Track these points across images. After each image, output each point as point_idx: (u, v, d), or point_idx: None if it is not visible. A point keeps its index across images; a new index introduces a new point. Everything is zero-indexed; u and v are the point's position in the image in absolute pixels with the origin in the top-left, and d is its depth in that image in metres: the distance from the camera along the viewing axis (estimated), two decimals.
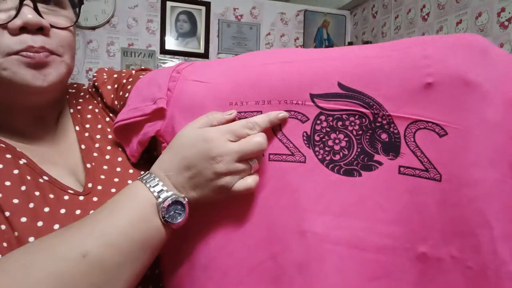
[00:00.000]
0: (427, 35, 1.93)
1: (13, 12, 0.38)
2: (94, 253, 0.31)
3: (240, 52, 2.48)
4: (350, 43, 2.57)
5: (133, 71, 0.53)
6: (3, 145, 0.40)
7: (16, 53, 0.38)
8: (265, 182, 0.40)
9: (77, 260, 0.30)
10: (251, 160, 0.38)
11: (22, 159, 0.40)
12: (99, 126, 0.49)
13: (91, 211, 0.39)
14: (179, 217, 0.36)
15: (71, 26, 0.43)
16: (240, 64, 0.43)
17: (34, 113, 0.44)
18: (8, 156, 0.39)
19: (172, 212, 0.35)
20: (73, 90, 0.53)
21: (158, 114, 0.43)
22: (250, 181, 0.38)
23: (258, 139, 0.37)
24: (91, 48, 2.22)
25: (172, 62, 2.34)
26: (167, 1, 2.30)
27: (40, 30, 0.39)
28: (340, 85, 0.37)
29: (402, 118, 0.35)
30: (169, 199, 0.35)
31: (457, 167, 0.33)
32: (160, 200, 0.35)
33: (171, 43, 2.32)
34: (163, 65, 2.31)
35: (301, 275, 0.38)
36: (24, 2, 0.38)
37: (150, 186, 0.36)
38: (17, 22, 0.37)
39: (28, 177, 0.38)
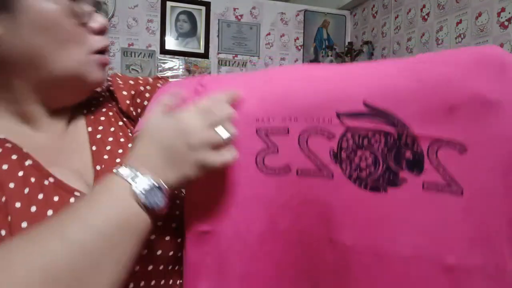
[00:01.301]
0: (427, 35, 1.93)
1: (88, 15, 0.42)
2: (76, 239, 0.31)
3: (240, 52, 2.48)
4: (350, 43, 2.57)
5: (150, 79, 0.54)
6: (10, 145, 0.39)
7: (98, 52, 0.43)
8: (293, 196, 0.42)
9: (59, 248, 0.30)
10: (227, 134, 0.37)
11: (28, 160, 0.39)
12: (112, 129, 0.48)
13: None
14: (159, 203, 0.35)
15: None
16: (264, 79, 0.44)
17: (48, 111, 0.44)
18: (14, 157, 0.38)
19: (152, 198, 0.34)
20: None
21: None
22: (227, 155, 0.37)
23: (226, 110, 0.38)
24: None
25: (172, 62, 2.34)
26: (167, 1, 2.30)
27: (105, 31, 0.44)
28: (365, 104, 0.39)
29: (425, 137, 0.37)
30: (145, 184, 0.34)
31: (476, 179, 0.35)
32: (134, 185, 0.34)
33: (171, 43, 2.32)
34: (163, 65, 2.31)
35: (330, 282, 0.41)
36: (95, 6, 0.42)
37: (123, 174, 0.34)
38: (96, 25, 0.42)
39: (33, 179, 0.38)
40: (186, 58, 2.36)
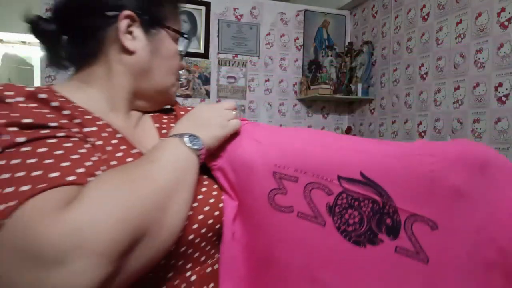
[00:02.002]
0: (427, 35, 1.93)
1: (180, 58, 0.63)
2: (160, 161, 0.44)
3: (240, 52, 2.48)
4: (350, 43, 2.57)
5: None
6: (104, 122, 0.51)
7: (177, 80, 0.64)
8: (290, 233, 0.51)
9: (148, 164, 0.43)
10: (234, 113, 0.58)
11: (118, 134, 0.51)
12: (172, 125, 0.65)
13: None
14: (199, 145, 0.50)
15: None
16: (289, 138, 0.57)
17: (131, 111, 0.60)
18: (109, 129, 0.51)
19: (194, 142, 0.49)
20: None
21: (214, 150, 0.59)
22: (235, 122, 0.57)
23: (226, 106, 0.59)
24: None
25: None
26: None
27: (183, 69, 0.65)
28: (362, 174, 0.48)
29: (404, 210, 0.45)
30: (187, 136, 0.50)
31: (442, 254, 0.43)
32: (182, 137, 0.49)
33: None
34: None
35: None
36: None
37: (176, 136, 0.50)
38: (183, 64, 0.65)
39: (123, 147, 0.50)
40: (186, 58, 2.36)
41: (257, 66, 2.53)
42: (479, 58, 1.62)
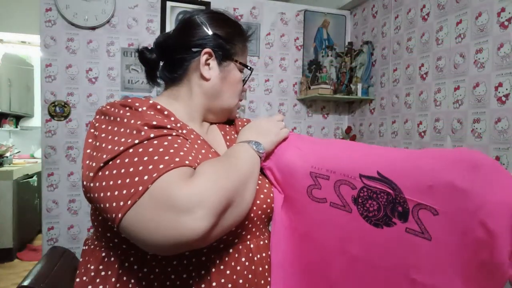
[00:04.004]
0: (427, 35, 1.93)
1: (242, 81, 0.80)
2: (240, 158, 0.63)
3: None
4: (350, 43, 2.57)
5: (245, 119, 0.97)
6: (190, 128, 0.71)
7: (239, 100, 0.81)
8: (325, 218, 0.68)
9: (235, 160, 0.61)
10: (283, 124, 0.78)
11: (201, 137, 0.71)
12: (233, 137, 0.84)
13: None
14: (261, 150, 0.69)
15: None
16: (322, 145, 0.75)
17: (204, 123, 0.80)
18: (194, 133, 0.71)
19: (258, 147, 0.68)
20: None
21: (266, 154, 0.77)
22: (285, 130, 0.77)
23: (278, 118, 0.80)
24: (91, 48, 2.22)
25: None
26: (167, 1, 2.30)
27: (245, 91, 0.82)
28: (378, 173, 0.62)
29: (412, 200, 0.58)
30: (253, 141, 0.69)
31: (442, 233, 0.54)
32: (250, 143, 0.68)
33: None
34: None
35: (340, 275, 0.66)
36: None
37: (244, 141, 0.69)
38: (246, 86, 0.82)
39: (205, 146, 0.70)
40: None
41: (257, 66, 2.53)
42: (479, 58, 1.62)
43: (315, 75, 2.57)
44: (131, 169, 0.50)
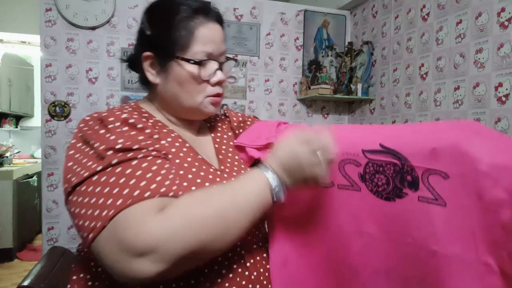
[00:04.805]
0: (427, 35, 1.93)
1: (213, 74, 0.68)
2: (240, 203, 0.54)
3: (240, 52, 2.48)
4: (350, 43, 2.57)
5: (252, 116, 0.91)
6: (176, 134, 0.68)
7: (210, 96, 0.69)
8: (335, 202, 0.66)
9: (230, 205, 0.53)
10: (322, 153, 0.59)
11: (187, 143, 0.68)
12: (225, 136, 0.81)
13: (224, 181, 0.65)
14: (281, 197, 0.58)
15: (229, 78, 0.75)
16: (321, 130, 0.71)
17: (188, 121, 0.74)
18: (180, 140, 0.67)
19: (278, 193, 0.58)
20: None
21: (264, 147, 0.74)
22: (324, 170, 0.59)
23: (323, 139, 0.60)
24: (91, 48, 2.22)
25: None
26: None
27: (222, 83, 0.70)
28: (381, 145, 0.60)
29: (419, 167, 0.55)
30: (277, 186, 0.58)
31: (456, 198, 0.52)
32: (273, 186, 0.57)
33: None
34: None
35: (359, 257, 0.64)
36: (219, 68, 0.68)
37: (267, 175, 0.57)
38: (215, 79, 0.68)
39: (191, 154, 0.66)
40: None
41: (257, 66, 2.53)
42: (479, 58, 1.62)
43: (315, 75, 2.57)
44: (93, 200, 0.50)
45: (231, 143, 0.80)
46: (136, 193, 0.49)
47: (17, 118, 4.25)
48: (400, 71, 2.15)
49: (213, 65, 0.67)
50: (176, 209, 0.49)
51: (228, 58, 0.73)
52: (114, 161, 0.52)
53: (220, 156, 0.74)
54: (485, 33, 1.59)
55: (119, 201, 0.48)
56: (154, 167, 0.54)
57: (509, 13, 1.48)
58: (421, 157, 0.55)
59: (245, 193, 0.55)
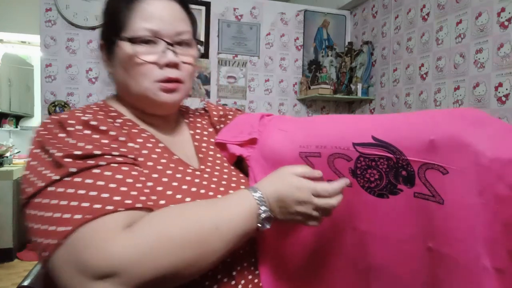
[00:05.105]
0: (427, 35, 1.93)
1: (161, 54, 0.59)
2: (222, 228, 0.48)
3: (240, 52, 2.48)
4: (350, 43, 2.57)
5: (234, 109, 0.82)
6: (149, 133, 0.61)
7: (159, 81, 0.59)
8: (340, 197, 0.60)
9: (211, 229, 0.47)
10: (324, 211, 0.55)
11: (160, 143, 0.61)
12: (206, 133, 0.74)
13: (204, 182, 0.60)
14: (266, 226, 0.53)
15: (193, 61, 0.64)
16: (308, 122, 0.67)
17: (161, 117, 0.66)
18: (152, 140, 0.60)
19: (264, 222, 0.53)
20: (184, 109, 0.77)
21: (247, 143, 0.69)
22: (316, 223, 0.56)
23: (333, 203, 0.55)
24: (91, 48, 2.22)
25: None
26: None
27: (176, 66, 0.60)
28: (373, 137, 0.54)
29: (415, 161, 0.51)
30: (265, 213, 0.53)
31: (455, 195, 0.48)
32: (260, 211, 0.52)
33: None
34: None
35: (352, 254, 0.61)
36: (168, 47, 0.59)
37: (256, 199, 0.52)
38: (163, 60, 0.59)
39: (166, 155, 0.59)
40: None
41: (257, 66, 2.53)
42: (479, 58, 1.62)
43: (315, 75, 2.57)
44: (48, 214, 0.44)
45: (212, 140, 0.73)
46: (97, 206, 0.43)
47: (17, 118, 4.25)
48: (400, 71, 2.15)
49: (160, 44, 0.59)
50: (147, 226, 0.44)
51: (196, 41, 0.65)
52: (73, 170, 0.46)
53: (200, 155, 0.67)
54: (485, 33, 1.59)
55: (77, 216, 0.42)
56: (119, 176, 0.48)
57: (509, 13, 1.48)
58: (417, 150, 0.50)
59: (230, 219, 0.50)
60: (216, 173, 0.65)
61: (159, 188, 0.53)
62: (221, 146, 0.72)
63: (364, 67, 2.42)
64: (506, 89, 1.49)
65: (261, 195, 0.53)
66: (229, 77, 2.48)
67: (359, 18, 2.60)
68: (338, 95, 2.43)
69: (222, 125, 0.76)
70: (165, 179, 0.55)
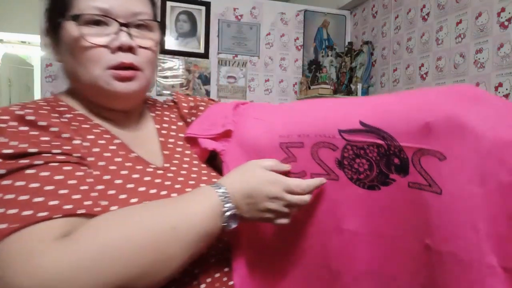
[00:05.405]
0: (427, 35, 1.93)
1: (114, 36, 0.51)
2: (180, 228, 0.42)
3: (240, 52, 2.48)
4: (350, 43, 2.57)
5: (206, 98, 0.74)
6: (103, 128, 0.54)
7: (112, 68, 0.51)
8: (311, 193, 0.54)
9: (168, 230, 0.41)
10: (294, 208, 0.51)
11: (116, 140, 0.54)
12: (174, 127, 0.65)
13: (166, 182, 0.52)
14: (232, 225, 0.48)
15: (153, 47, 0.56)
16: (288, 109, 0.61)
17: (121, 111, 0.58)
18: (107, 136, 0.53)
19: (230, 221, 0.47)
20: (151, 102, 0.70)
21: (221, 136, 0.61)
22: (286, 220, 0.51)
23: (306, 199, 0.50)
24: None
25: (172, 62, 2.34)
26: (167, 1, 2.30)
27: (131, 49, 0.52)
28: (361, 123, 0.49)
29: (409, 147, 0.46)
30: (231, 211, 0.47)
31: (455, 184, 0.43)
32: (225, 209, 0.46)
33: (171, 43, 2.32)
34: (163, 65, 2.31)
35: (340, 258, 0.53)
36: (122, 28, 0.51)
37: (220, 195, 0.47)
38: (116, 43, 0.51)
39: (122, 152, 0.52)
40: (186, 58, 2.36)
41: (257, 66, 2.53)
42: (479, 58, 1.62)
43: (315, 75, 2.57)
44: None
45: (182, 135, 0.65)
46: (26, 213, 0.37)
47: None
48: (400, 71, 2.15)
49: (112, 25, 0.51)
50: (88, 234, 0.37)
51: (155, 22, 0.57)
52: (1, 172, 0.40)
53: (166, 152, 0.59)
54: (485, 33, 1.59)
55: (3, 226, 0.36)
56: (59, 177, 0.41)
57: (509, 13, 1.48)
58: (411, 134, 0.45)
59: (188, 218, 0.43)
60: (183, 171, 0.57)
61: (111, 192, 0.46)
62: (192, 141, 0.63)
63: (364, 67, 2.42)
64: (506, 89, 1.49)
65: (225, 190, 0.47)
66: (229, 77, 2.48)
67: (359, 18, 2.60)
68: (338, 95, 2.43)
69: (193, 118, 0.68)
70: (118, 181, 0.48)
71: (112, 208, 0.44)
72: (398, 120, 0.46)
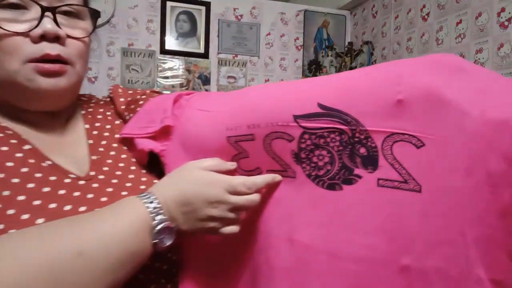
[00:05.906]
0: (427, 35, 1.93)
1: (35, 22, 0.42)
2: (89, 254, 0.34)
3: (240, 52, 2.48)
4: (350, 43, 2.57)
5: (147, 91, 0.61)
6: (10, 132, 0.44)
7: (34, 60, 0.42)
8: (264, 197, 0.44)
9: (72, 257, 0.33)
10: (242, 212, 0.43)
11: (27, 145, 0.44)
12: (108, 126, 0.55)
13: (89, 195, 0.43)
14: (167, 242, 0.39)
15: (85, 37, 0.48)
16: (237, 96, 0.50)
17: (52, 113, 0.49)
18: (13, 141, 0.43)
19: (163, 236, 0.39)
20: (85, 98, 0.61)
21: (160, 134, 0.50)
22: (234, 228, 0.43)
23: (254, 198, 0.42)
24: (91, 48, 2.22)
25: (172, 62, 2.34)
26: (167, 1, 2.30)
27: (57, 39, 0.44)
28: (320, 105, 0.40)
29: (378, 132, 0.37)
30: (163, 224, 0.38)
31: (436, 177, 0.34)
32: (155, 222, 0.38)
33: (171, 43, 2.32)
34: (163, 65, 2.31)
35: (288, 280, 0.41)
36: (45, 14, 0.42)
37: (149, 207, 0.38)
38: (38, 31, 0.42)
39: (32, 161, 0.42)
40: (186, 58, 2.36)
41: (257, 66, 2.53)
42: (479, 58, 1.62)
43: (315, 75, 2.57)
44: None
45: (117, 136, 0.54)
46: None
47: None
48: None
49: (33, 9, 0.42)
50: None
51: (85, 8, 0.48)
52: None
53: (94, 157, 0.49)
54: (485, 33, 1.59)
55: None
56: None
57: (509, 13, 1.48)
58: (380, 116, 0.37)
59: (101, 239, 0.35)
60: (114, 180, 0.47)
61: (10, 212, 0.37)
62: (129, 142, 0.53)
63: (364, 67, 2.42)
64: None
65: (155, 200, 0.39)
66: (229, 77, 2.48)
67: (359, 18, 2.60)
68: None
69: (131, 114, 0.56)
70: (21, 197, 0.38)
71: (11, 231, 0.35)
72: (364, 98, 0.38)
